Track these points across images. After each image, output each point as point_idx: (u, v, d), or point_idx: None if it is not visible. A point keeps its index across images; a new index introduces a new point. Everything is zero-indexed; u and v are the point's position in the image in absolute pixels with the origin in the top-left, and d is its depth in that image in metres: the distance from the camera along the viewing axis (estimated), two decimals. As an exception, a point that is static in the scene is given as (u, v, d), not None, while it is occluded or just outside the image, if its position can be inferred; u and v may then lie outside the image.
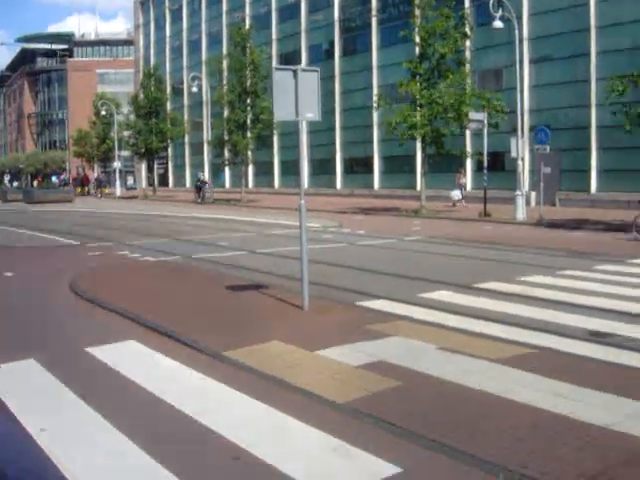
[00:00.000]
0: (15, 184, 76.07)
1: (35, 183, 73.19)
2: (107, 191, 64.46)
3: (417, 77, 31.03)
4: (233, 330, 8.69)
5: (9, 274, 14.51)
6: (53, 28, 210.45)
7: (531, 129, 34.48)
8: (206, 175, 51.35)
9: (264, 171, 58.72)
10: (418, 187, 35.82)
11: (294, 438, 5.26)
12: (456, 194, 36.87)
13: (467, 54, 35.43)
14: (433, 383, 6.49)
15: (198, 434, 5.40)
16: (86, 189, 68.03)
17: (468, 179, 40.62)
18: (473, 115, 30.13)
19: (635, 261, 15.11)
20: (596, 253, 16.51)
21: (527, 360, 7.17)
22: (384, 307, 10.14)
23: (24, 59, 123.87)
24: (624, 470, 4.64)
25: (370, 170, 49.53)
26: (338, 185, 52.72)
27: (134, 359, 7.60)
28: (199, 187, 47.70)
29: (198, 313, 9.85)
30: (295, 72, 9.72)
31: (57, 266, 15.72)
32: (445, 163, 37.24)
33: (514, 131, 29.20)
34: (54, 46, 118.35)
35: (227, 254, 17.24)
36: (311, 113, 9.80)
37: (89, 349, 7.94)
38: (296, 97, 9.62)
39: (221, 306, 10.35)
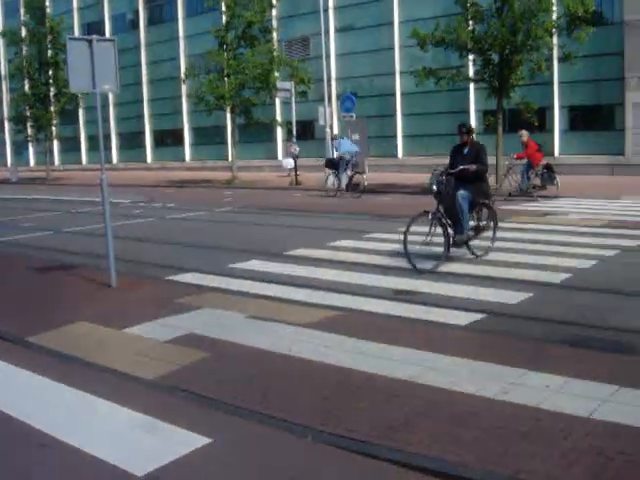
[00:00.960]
0: None
1: None
2: None
3: (224, 46, 30.87)
4: (37, 314, 8.35)
5: None
6: None
7: (338, 97, 35.24)
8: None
9: (71, 147, 56.48)
10: (230, 158, 35.79)
11: (102, 419, 5.14)
12: (288, 162, 37.07)
13: (274, 23, 35.60)
14: (243, 352, 6.52)
15: (1, 424, 5.14)
16: None
17: (279, 149, 40.98)
18: (281, 84, 30.39)
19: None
20: (401, 216, 17.16)
21: (335, 322, 7.37)
22: (194, 280, 10.07)
23: None
24: (425, 419, 4.86)
25: (181, 142, 48.87)
26: (148, 159, 51.66)
27: None
28: None
29: (-1, 298, 9.37)
30: (90, 42, 9.37)
31: None
32: (256, 133, 37.38)
33: (322, 99, 29.73)
34: None
35: (31, 235, 16.51)
36: (109, 84, 9.52)
37: None
38: (92, 68, 9.31)
39: (24, 290, 9.91)
